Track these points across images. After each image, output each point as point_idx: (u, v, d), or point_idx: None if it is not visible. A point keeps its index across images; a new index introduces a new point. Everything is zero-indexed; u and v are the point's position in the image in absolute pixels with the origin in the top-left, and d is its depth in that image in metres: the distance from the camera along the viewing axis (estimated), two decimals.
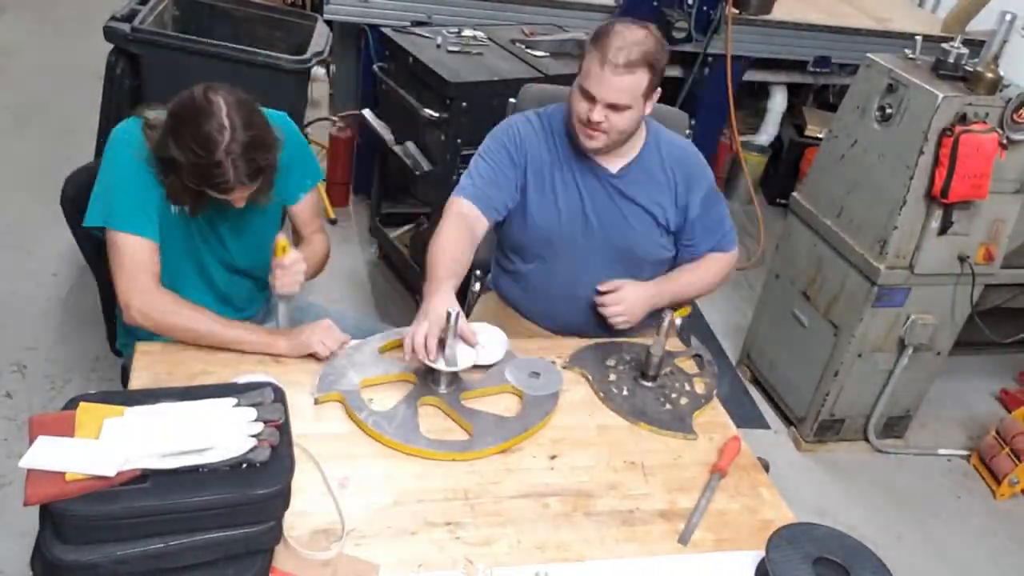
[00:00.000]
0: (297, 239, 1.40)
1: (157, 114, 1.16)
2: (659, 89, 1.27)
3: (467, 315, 1.52)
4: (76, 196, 1.24)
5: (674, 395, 1.22)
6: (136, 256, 1.14)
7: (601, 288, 1.33)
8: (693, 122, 1.62)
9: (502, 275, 1.48)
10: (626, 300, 1.31)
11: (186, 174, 1.09)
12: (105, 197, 1.16)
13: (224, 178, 1.08)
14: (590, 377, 1.24)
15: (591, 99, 1.23)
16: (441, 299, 1.14)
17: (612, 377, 1.24)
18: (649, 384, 1.22)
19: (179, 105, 1.10)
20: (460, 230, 1.27)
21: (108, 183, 1.16)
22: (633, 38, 1.21)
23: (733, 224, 1.44)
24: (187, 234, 1.23)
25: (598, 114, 1.23)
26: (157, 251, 1.16)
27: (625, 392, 1.22)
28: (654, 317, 1.34)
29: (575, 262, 1.36)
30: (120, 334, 1.37)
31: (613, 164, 1.33)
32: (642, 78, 1.21)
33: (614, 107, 1.23)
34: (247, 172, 1.10)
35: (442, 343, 1.11)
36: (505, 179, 1.33)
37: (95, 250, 1.29)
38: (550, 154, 1.34)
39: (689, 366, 1.30)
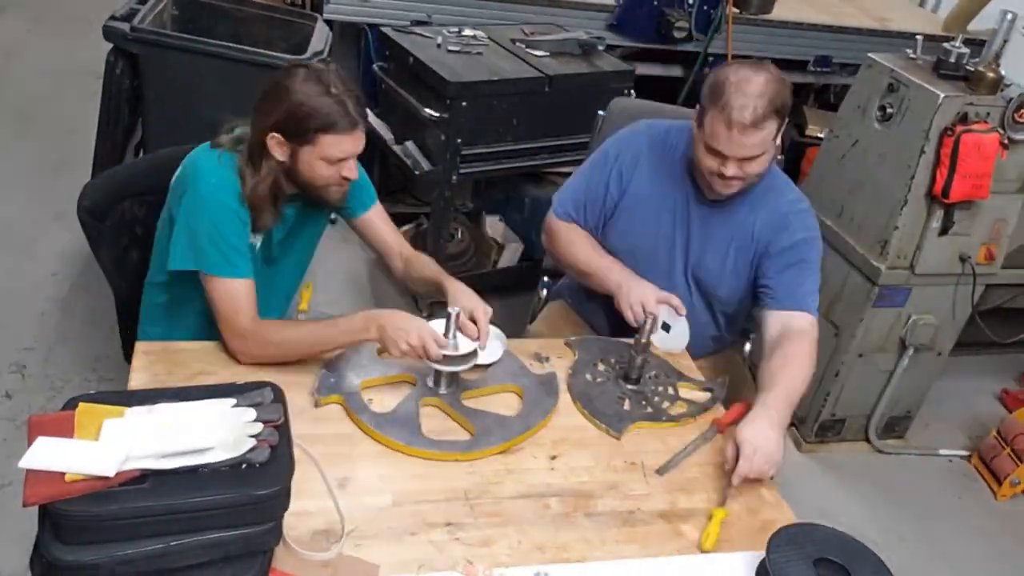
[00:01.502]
0: (388, 263, 1.36)
1: (236, 127, 1.16)
2: (787, 120, 1.22)
3: (531, 320, 1.56)
4: (94, 206, 1.23)
5: (656, 399, 1.21)
6: (236, 298, 1.11)
7: (729, 454, 1.08)
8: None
9: (577, 288, 1.47)
10: (757, 447, 1.05)
11: (305, 121, 1.08)
12: (197, 241, 1.12)
13: (344, 108, 1.08)
14: (571, 368, 1.23)
15: (721, 156, 1.20)
16: (639, 281, 1.29)
17: (600, 368, 1.24)
18: (630, 386, 1.21)
19: (269, 79, 1.12)
20: (586, 238, 1.37)
21: (200, 226, 1.12)
22: (754, 90, 1.14)
23: (815, 285, 1.28)
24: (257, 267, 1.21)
25: (732, 170, 1.20)
26: (253, 287, 1.14)
27: (595, 381, 1.21)
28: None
29: (654, 278, 1.32)
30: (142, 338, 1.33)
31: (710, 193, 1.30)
32: (771, 129, 1.17)
33: (745, 159, 1.20)
34: (359, 108, 1.11)
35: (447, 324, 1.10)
36: (603, 200, 1.35)
37: (114, 261, 1.29)
38: (659, 175, 1.32)
39: (694, 392, 1.26)
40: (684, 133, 1.32)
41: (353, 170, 1.16)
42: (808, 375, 1.22)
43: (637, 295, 1.26)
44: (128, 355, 1.40)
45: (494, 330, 1.23)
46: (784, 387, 1.16)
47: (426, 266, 1.31)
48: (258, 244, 1.20)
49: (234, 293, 1.12)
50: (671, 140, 1.34)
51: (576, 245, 1.37)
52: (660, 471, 1.07)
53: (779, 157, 1.32)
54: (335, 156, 1.12)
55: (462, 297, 1.17)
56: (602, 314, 1.43)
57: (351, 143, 1.12)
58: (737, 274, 1.33)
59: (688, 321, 1.30)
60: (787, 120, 1.22)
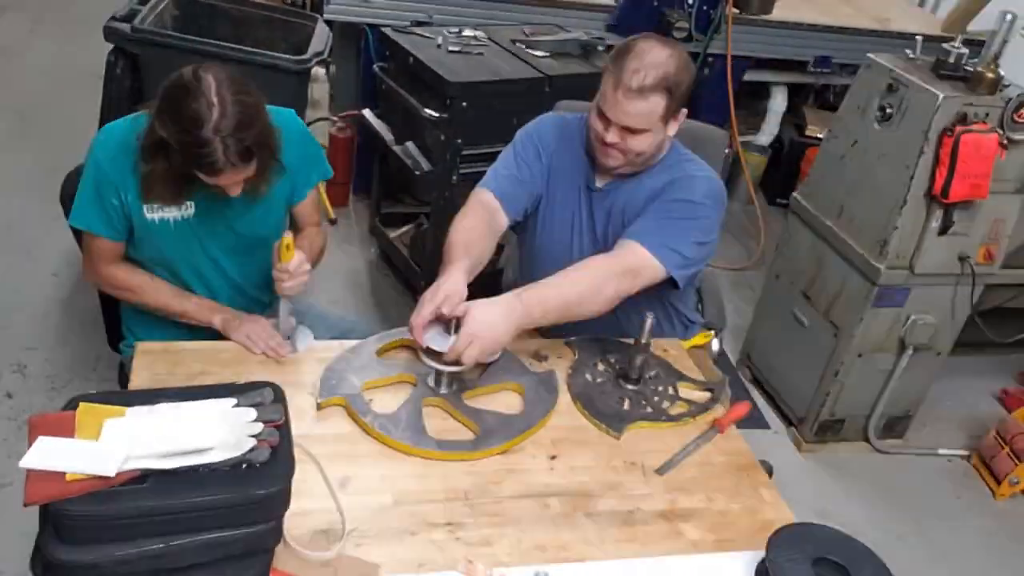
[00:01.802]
0: (294, 233, 1.39)
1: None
2: (684, 110, 1.21)
3: None
4: (74, 194, 1.25)
5: (656, 399, 1.21)
6: (95, 251, 1.22)
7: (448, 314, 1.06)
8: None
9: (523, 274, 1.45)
10: (476, 326, 1.03)
11: (175, 155, 1.08)
12: (76, 195, 1.20)
13: (212, 158, 1.06)
14: (571, 368, 1.23)
15: (607, 120, 1.19)
16: (448, 278, 1.09)
17: (600, 368, 1.24)
18: (630, 386, 1.21)
19: (168, 84, 1.09)
20: (478, 217, 1.24)
21: (80, 183, 1.20)
22: (652, 60, 1.14)
23: (684, 255, 1.19)
24: (177, 241, 1.23)
25: (612, 136, 1.19)
26: (118, 249, 1.23)
27: (595, 380, 1.21)
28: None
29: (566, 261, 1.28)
30: (126, 335, 1.37)
31: (601, 179, 1.30)
32: (657, 103, 1.15)
33: (629, 130, 1.18)
34: (237, 151, 1.07)
35: (448, 324, 1.08)
36: (529, 176, 1.31)
37: None
38: (571, 158, 1.32)
39: (695, 392, 1.25)
40: (582, 117, 1.31)
41: (234, 191, 1.15)
42: (595, 285, 1.13)
43: (441, 294, 1.07)
44: (114, 346, 1.41)
45: None
46: (550, 289, 1.12)
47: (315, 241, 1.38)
48: (187, 216, 1.22)
49: (96, 246, 1.22)
50: (582, 124, 1.31)
51: (459, 217, 1.23)
52: (660, 471, 1.08)
53: (672, 140, 1.23)
54: (209, 182, 1.13)
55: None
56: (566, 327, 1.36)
57: (221, 180, 1.12)
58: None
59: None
60: (681, 109, 1.19)
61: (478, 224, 1.22)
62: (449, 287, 1.08)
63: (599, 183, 1.30)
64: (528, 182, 1.32)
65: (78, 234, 1.25)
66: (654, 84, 1.14)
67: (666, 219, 1.22)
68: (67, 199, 1.27)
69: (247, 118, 1.08)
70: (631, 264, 1.18)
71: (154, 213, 1.20)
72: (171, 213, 1.21)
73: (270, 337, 1.18)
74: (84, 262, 1.26)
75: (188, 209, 1.22)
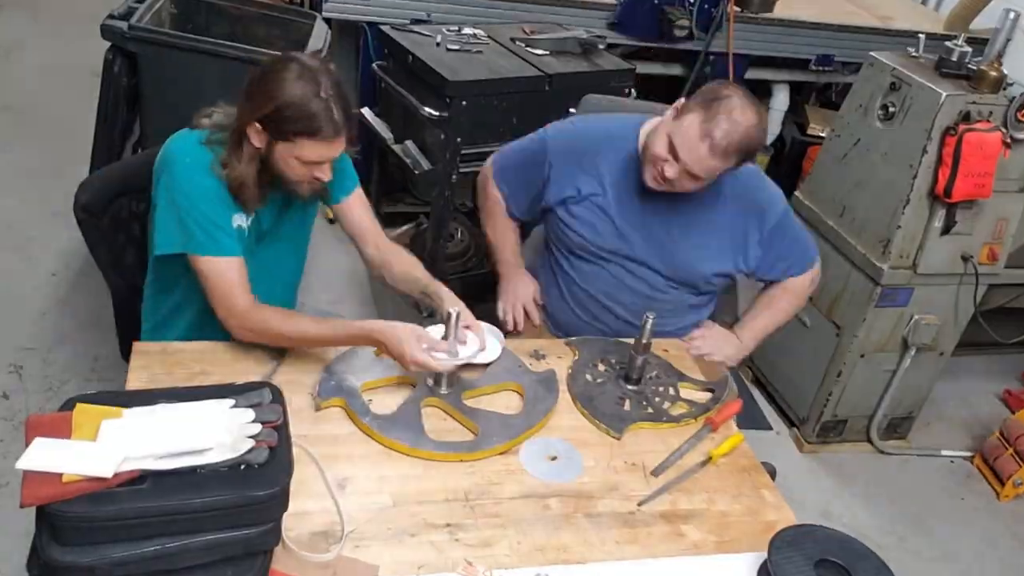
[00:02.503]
0: (361, 249, 1.35)
1: (215, 113, 1.15)
2: (741, 164, 1.26)
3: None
4: (90, 203, 1.22)
5: (656, 399, 1.20)
6: (226, 276, 1.11)
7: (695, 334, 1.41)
8: None
9: (548, 278, 1.47)
10: (713, 338, 1.40)
11: (287, 122, 1.06)
12: (180, 223, 1.11)
13: (331, 116, 1.06)
14: (572, 368, 1.23)
15: (675, 156, 1.21)
16: (522, 277, 1.43)
17: (601, 368, 1.24)
18: (630, 386, 1.21)
19: (261, 68, 1.10)
20: (504, 216, 1.47)
21: (180, 207, 1.11)
22: (744, 124, 1.18)
23: (810, 238, 1.44)
24: (249, 246, 1.20)
25: (671, 171, 1.22)
26: (244, 265, 1.13)
27: (596, 381, 1.21)
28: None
29: (626, 270, 1.35)
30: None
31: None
32: (731, 164, 1.22)
33: (690, 174, 1.22)
34: (345, 117, 1.09)
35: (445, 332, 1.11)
36: (535, 184, 1.39)
37: (111, 259, 1.28)
38: (611, 164, 1.33)
39: (695, 392, 1.25)
40: (631, 127, 1.34)
41: (327, 173, 1.14)
42: (788, 313, 1.46)
43: (511, 297, 1.42)
44: (126, 355, 1.39)
45: (491, 328, 1.23)
46: (758, 323, 1.45)
47: (413, 266, 1.31)
48: (246, 227, 1.18)
49: (225, 271, 1.11)
50: (617, 135, 1.35)
51: (491, 213, 1.48)
52: (655, 472, 1.07)
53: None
54: (310, 159, 1.11)
55: (452, 301, 1.17)
56: (569, 305, 1.43)
57: (329, 149, 1.11)
58: (715, 259, 1.36)
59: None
60: (742, 167, 1.27)
61: (507, 225, 1.48)
62: (448, 310, 1.12)
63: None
64: (533, 188, 1.39)
65: (99, 253, 1.19)
66: (736, 149, 1.19)
67: (790, 243, 1.40)
68: (82, 209, 1.22)
69: (340, 82, 1.10)
70: (808, 283, 1.45)
71: (235, 221, 1.15)
72: (242, 221, 1.17)
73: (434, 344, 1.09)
74: (221, 308, 1.11)
75: (246, 220, 1.18)
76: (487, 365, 1.18)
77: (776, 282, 1.43)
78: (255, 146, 1.11)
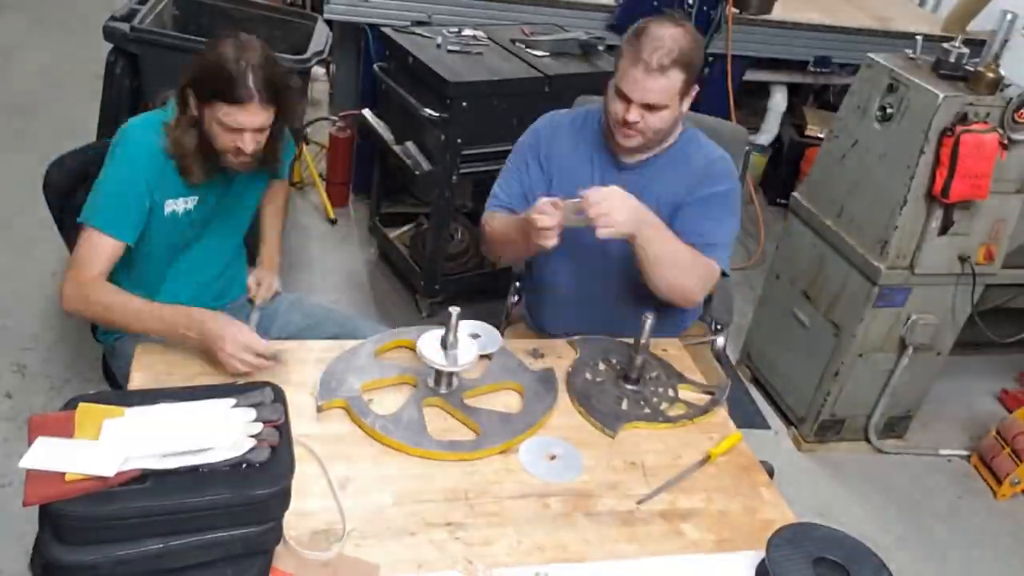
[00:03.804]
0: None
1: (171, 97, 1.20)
2: (696, 87, 1.26)
3: (501, 332, 1.55)
4: (58, 182, 1.24)
5: (655, 400, 1.20)
6: (94, 251, 1.16)
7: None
8: None
9: (528, 286, 1.47)
10: (609, 199, 1.15)
11: (206, 83, 1.12)
12: (94, 195, 1.17)
13: (243, 83, 1.11)
14: (572, 367, 1.23)
15: (626, 100, 1.23)
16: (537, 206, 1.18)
17: (601, 367, 1.24)
18: (630, 386, 1.21)
19: (208, 40, 1.16)
20: (505, 216, 1.34)
21: (102, 181, 1.18)
22: (668, 37, 1.19)
23: (730, 248, 1.31)
24: (178, 231, 1.25)
25: (634, 114, 1.23)
26: (119, 252, 1.18)
27: (595, 380, 1.21)
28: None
29: (592, 258, 1.33)
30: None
31: (631, 157, 1.32)
32: (676, 78, 1.21)
33: (649, 107, 1.22)
34: (264, 85, 1.12)
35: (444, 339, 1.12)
36: (529, 185, 1.36)
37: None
38: (577, 151, 1.34)
39: (694, 394, 1.25)
40: (599, 112, 1.34)
41: (248, 143, 1.16)
42: (681, 265, 1.24)
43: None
44: (95, 332, 1.39)
45: (490, 328, 1.24)
46: (662, 229, 1.22)
47: (268, 223, 1.43)
48: (189, 208, 1.23)
49: (98, 246, 1.15)
50: (589, 114, 1.36)
51: (494, 222, 1.35)
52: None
53: (686, 116, 1.31)
54: (228, 124, 1.14)
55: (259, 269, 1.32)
56: (564, 322, 1.40)
57: (244, 115, 1.14)
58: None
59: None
60: (695, 84, 1.25)
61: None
62: (448, 309, 1.11)
63: (627, 160, 1.32)
64: (529, 192, 1.36)
65: (69, 234, 1.23)
66: (672, 61, 1.19)
67: (708, 219, 1.29)
68: (50, 188, 1.24)
69: (272, 59, 1.15)
70: (708, 272, 1.28)
71: (170, 207, 1.21)
72: (181, 205, 1.22)
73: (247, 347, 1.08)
74: (71, 271, 1.15)
75: (191, 202, 1.24)
76: (488, 356, 1.18)
77: None
78: (192, 113, 1.16)
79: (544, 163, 1.36)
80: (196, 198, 1.24)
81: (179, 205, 1.22)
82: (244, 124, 1.15)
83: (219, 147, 1.17)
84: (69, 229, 1.27)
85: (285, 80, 1.17)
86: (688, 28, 1.24)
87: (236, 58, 1.12)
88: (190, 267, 1.31)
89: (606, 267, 1.34)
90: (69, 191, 1.28)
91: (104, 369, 1.38)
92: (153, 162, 1.18)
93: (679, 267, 1.25)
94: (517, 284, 1.62)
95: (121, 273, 1.22)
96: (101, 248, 1.16)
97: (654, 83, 1.20)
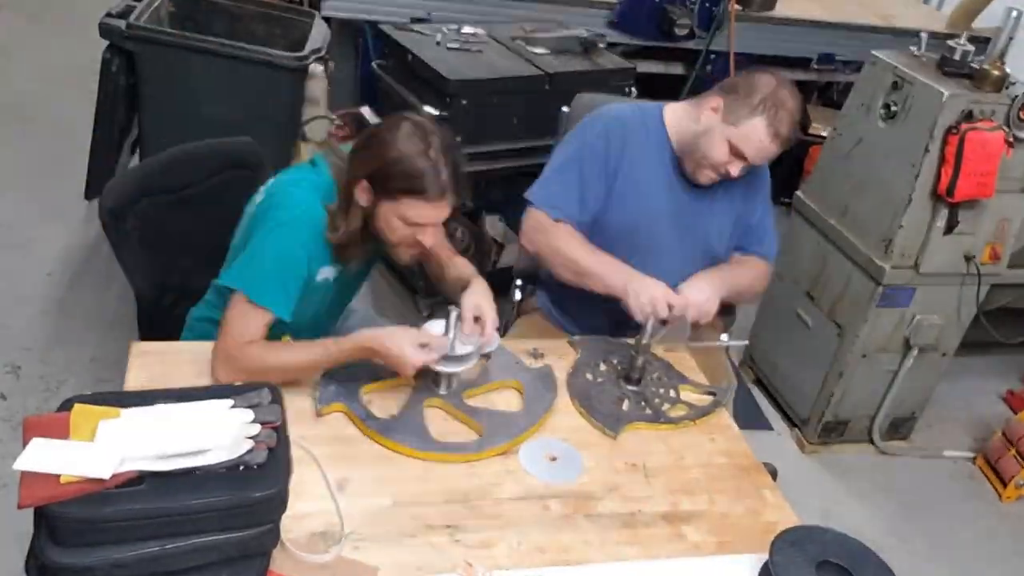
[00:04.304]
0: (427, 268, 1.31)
1: (315, 161, 1.14)
2: None
3: (503, 332, 1.53)
4: (115, 206, 1.21)
5: (656, 400, 1.19)
6: (247, 327, 1.06)
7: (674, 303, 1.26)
8: None
9: (553, 283, 1.44)
10: (702, 290, 1.25)
11: (392, 179, 1.04)
12: (252, 263, 1.08)
13: (436, 175, 1.03)
14: (572, 367, 1.23)
15: (740, 157, 1.26)
16: (645, 280, 1.25)
17: (602, 368, 1.23)
18: (631, 387, 1.20)
19: (373, 126, 1.10)
20: (583, 241, 1.33)
21: (260, 248, 1.08)
22: (794, 108, 1.24)
23: (775, 233, 1.45)
24: (322, 298, 1.20)
25: (736, 170, 1.27)
26: (270, 325, 1.09)
27: (596, 380, 1.21)
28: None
29: (657, 261, 1.34)
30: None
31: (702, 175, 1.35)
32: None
33: (754, 166, 1.28)
34: (453, 177, 1.05)
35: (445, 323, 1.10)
36: (595, 194, 1.34)
37: (136, 265, 1.27)
38: (645, 154, 1.34)
39: (695, 395, 1.24)
40: (656, 116, 1.36)
41: (430, 237, 1.11)
42: (752, 285, 1.41)
43: (648, 296, 1.22)
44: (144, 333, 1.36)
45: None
46: (731, 273, 1.35)
47: (462, 267, 1.26)
48: (333, 276, 1.17)
49: (254, 321, 1.06)
50: (649, 123, 1.36)
51: (570, 245, 1.31)
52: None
53: None
54: (414, 220, 1.08)
55: (474, 295, 1.14)
56: (590, 319, 1.40)
57: (433, 211, 1.07)
58: (725, 239, 1.40)
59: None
60: None
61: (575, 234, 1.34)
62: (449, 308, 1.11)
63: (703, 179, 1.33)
64: (594, 198, 1.35)
65: (131, 259, 1.17)
66: (793, 132, 1.26)
67: (768, 224, 1.42)
68: (107, 212, 1.20)
69: (452, 143, 1.08)
70: (766, 274, 1.44)
71: (323, 275, 1.15)
72: (331, 273, 1.16)
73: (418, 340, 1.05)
74: (224, 341, 1.06)
75: (337, 268, 1.18)
76: (487, 355, 1.18)
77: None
78: (361, 204, 1.09)
79: (610, 177, 1.34)
80: (340, 267, 1.17)
81: (329, 273, 1.16)
82: (433, 220, 1.08)
83: (394, 240, 1.10)
84: (122, 250, 1.23)
85: (464, 164, 1.09)
86: (796, 92, 1.27)
87: (424, 151, 1.04)
88: (312, 326, 1.21)
89: (679, 270, 1.35)
90: (123, 215, 1.23)
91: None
92: (314, 232, 1.10)
93: (749, 292, 1.42)
94: (519, 282, 1.61)
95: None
96: (255, 319, 1.07)
97: (775, 152, 1.26)
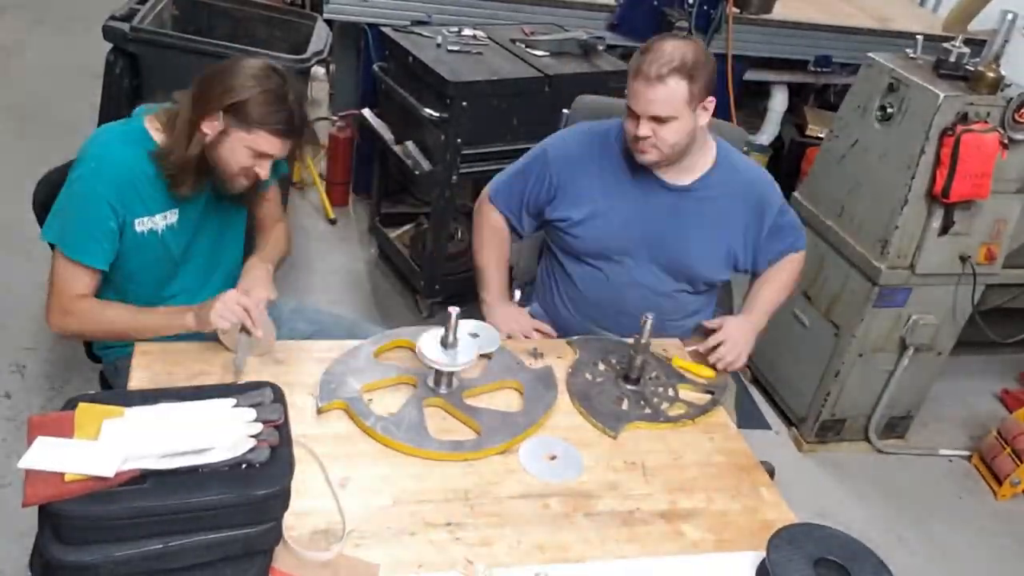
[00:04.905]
0: (258, 233, 1.37)
1: (163, 105, 1.17)
2: (711, 99, 1.26)
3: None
4: (47, 201, 1.21)
5: (655, 400, 1.20)
6: (71, 282, 1.14)
7: (709, 327, 1.35)
8: None
9: (547, 281, 1.48)
10: (734, 341, 1.31)
11: (255, 109, 1.09)
12: (63, 216, 1.14)
13: (292, 116, 1.11)
14: (572, 367, 1.23)
15: (635, 115, 1.25)
16: (514, 307, 1.44)
17: (601, 368, 1.24)
18: (629, 386, 1.21)
19: (226, 63, 1.13)
20: (500, 245, 1.47)
21: (67, 203, 1.14)
22: (668, 48, 1.22)
23: (799, 223, 1.47)
24: (160, 251, 1.22)
25: (643, 129, 1.25)
26: (97, 278, 1.16)
27: (595, 380, 1.21)
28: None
29: (629, 272, 1.37)
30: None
31: (682, 178, 1.34)
32: (678, 87, 1.21)
33: (657, 119, 1.24)
34: (302, 122, 1.14)
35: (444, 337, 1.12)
36: (536, 199, 1.40)
37: None
38: (608, 168, 1.36)
39: (694, 394, 1.25)
40: (615, 128, 1.37)
41: (266, 170, 1.17)
42: (788, 287, 1.46)
43: (516, 325, 1.38)
44: (89, 349, 1.37)
45: (484, 325, 1.24)
46: (766, 298, 1.42)
47: (271, 243, 1.34)
48: (174, 222, 1.21)
49: (75, 275, 1.14)
50: (612, 136, 1.37)
51: (487, 243, 1.46)
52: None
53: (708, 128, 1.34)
54: (262, 151, 1.14)
55: (247, 277, 1.20)
56: (580, 308, 1.43)
57: (282, 147, 1.15)
58: (720, 257, 1.40)
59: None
60: (708, 95, 1.26)
61: (501, 252, 1.47)
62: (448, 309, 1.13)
63: (684, 181, 1.34)
64: (535, 204, 1.41)
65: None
66: (671, 69, 1.21)
67: (786, 233, 1.44)
68: (39, 206, 1.22)
69: (306, 94, 1.16)
70: (800, 261, 1.49)
71: (144, 226, 1.17)
72: (158, 223, 1.19)
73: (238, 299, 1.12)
74: (51, 298, 1.14)
75: (172, 217, 1.20)
76: (488, 356, 1.19)
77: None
78: (205, 132, 1.13)
79: (555, 183, 1.38)
80: (176, 213, 1.20)
81: (156, 223, 1.18)
82: (275, 153, 1.14)
83: (232, 168, 1.14)
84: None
85: (306, 112, 1.17)
86: (693, 41, 1.26)
87: (285, 91, 1.11)
88: (184, 289, 1.26)
89: (652, 282, 1.39)
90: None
91: (103, 386, 1.35)
92: (116, 181, 1.13)
93: (784, 295, 1.47)
94: (517, 292, 1.62)
95: (111, 298, 1.19)
96: (75, 274, 1.14)
97: (655, 93, 1.21)
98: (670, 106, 1.22)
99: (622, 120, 1.31)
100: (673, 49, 1.21)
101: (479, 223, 1.47)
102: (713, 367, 1.29)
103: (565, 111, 1.66)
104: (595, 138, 1.38)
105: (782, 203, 1.42)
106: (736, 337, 1.32)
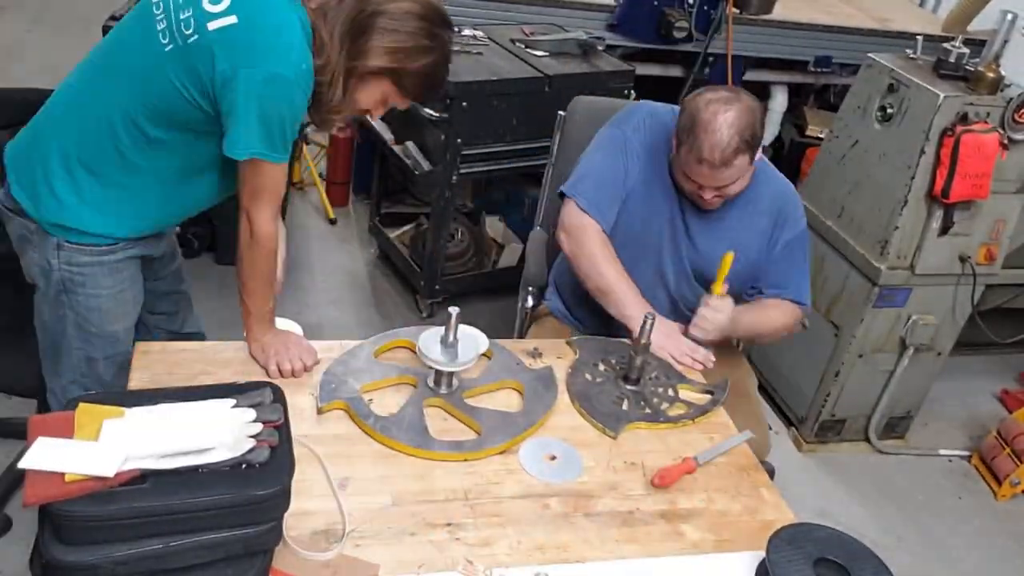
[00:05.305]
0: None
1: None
2: (761, 143, 1.27)
3: (523, 335, 1.56)
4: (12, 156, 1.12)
5: (655, 400, 1.20)
6: (280, 184, 1.07)
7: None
8: None
9: (566, 278, 1.46)
10: (714, 317, 1.27)
11: (423, 82, 1.09)
12: (267, 125, 1.01)
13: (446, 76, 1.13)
14: (571, 367, 1.24)
15: (697, 183, 1.26)
16: (667, 322, 1.32)
17: (601, 368, 1.24)
18: (630, 386, 1.21)
19: (427, 22, 1.07)
20: (615, 256, 1.33)
21: (273, 108, 1.00)
22: (725, 130, 1.18)
23: (808, 283, 1.40)
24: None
25: (709, 195, 1.27)
26: None
27: (595, 380, 1.22)
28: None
29: (654, 272, 1.36)
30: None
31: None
32: (742, 162, 1.22)
33: (719, 188, 1.26)
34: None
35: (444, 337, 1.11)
36: (618, 195, 1.35)
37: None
38: (654, 169, 1.35)
39: (694, 394, 1.25)
40: (663, 133, 1.35)
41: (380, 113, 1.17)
42: (772, 328, 1.37)
43: (658, 342, 1.25)
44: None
45: (472, 330, 1.22)
46: (750, 315, 1.34)
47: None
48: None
49: (282, 179, 1.08)
50: (658, 141, 1.35)
51: (600, 258, 1.31)
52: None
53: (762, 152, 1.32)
54: (394, 103, 1.14)
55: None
56: (605, 321, 1.40)
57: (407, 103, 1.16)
58: (740, 265, 1.35)
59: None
60: (760, 143, 1.26)
61: (618, 263, 1.33)
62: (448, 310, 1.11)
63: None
64: (617, 199, 1.36)
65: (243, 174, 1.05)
66: (734, 151, 1.20)
67: (794, 267, 1.38)
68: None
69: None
70: (797, 318, 1.39)
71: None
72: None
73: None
74: (268, 205, 1.05)
75: None
76: (487, 356, 1.19)
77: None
78: (354, 85, 1.07)
79: (631, 175, 1.34)
80: None
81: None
82: (403, 107, 1.15)
83: (364, 107, 1.12)
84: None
85: None
86: (741, 101, 1.20)
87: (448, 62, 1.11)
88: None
89: (674, 285, 1.38)
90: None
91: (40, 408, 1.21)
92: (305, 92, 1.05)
93: (769, 334, 1.39)
94: (530, 289, 1.62)
95: (142, 168, 1.08)
96: (283, 179, 1.08)
97: (721, 175, 1.22)
98: (738, 175, 1.24)
99: (669, 137, 1.30)
100: (731, 128, 1.18)
101: (581, 242, 1.32)
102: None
103: (561, 113, 1.66)
104: (644, 136, 1.35)
105: (801, 233, 1.37)
106: (719, 305, 1.28)
